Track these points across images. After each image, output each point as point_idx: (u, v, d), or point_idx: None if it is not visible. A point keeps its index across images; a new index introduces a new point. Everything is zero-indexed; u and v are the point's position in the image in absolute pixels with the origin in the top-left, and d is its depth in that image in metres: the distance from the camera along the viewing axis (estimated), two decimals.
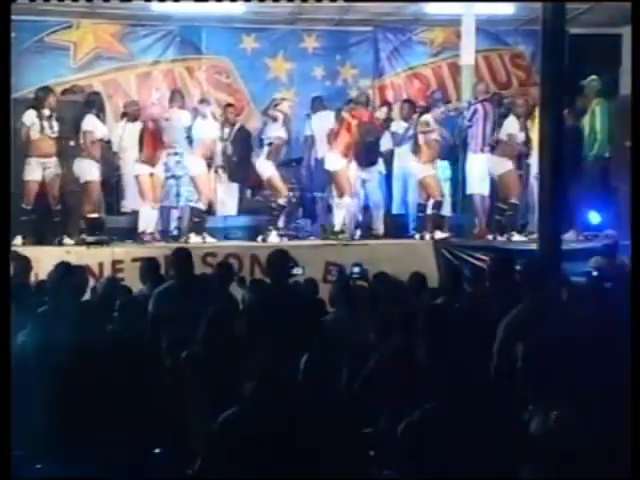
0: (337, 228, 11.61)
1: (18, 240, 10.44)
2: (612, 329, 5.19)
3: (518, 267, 6.83)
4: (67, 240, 10.88)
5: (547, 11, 8.45)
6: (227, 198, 12.28)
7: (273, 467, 3.99)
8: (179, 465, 5.11)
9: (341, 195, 11.63)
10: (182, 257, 7.13)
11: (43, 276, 8.17)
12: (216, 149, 11.79)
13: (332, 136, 11.75)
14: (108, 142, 11.32)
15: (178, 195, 11.51)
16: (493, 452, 3.76)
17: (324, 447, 4.05)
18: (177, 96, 12.05)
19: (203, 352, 5.40)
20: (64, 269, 6.41)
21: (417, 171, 11.94)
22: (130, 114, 11.78)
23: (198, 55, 13.53)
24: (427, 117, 11.87)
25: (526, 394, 4.45)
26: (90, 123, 10.98)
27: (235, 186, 12.46)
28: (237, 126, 12.33)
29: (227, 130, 12.10)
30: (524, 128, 11.66)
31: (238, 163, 12.26)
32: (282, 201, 11.75)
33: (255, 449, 4.03)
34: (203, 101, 12.04)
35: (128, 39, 13.22)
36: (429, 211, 11.92)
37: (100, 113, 11.25)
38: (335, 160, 11.63)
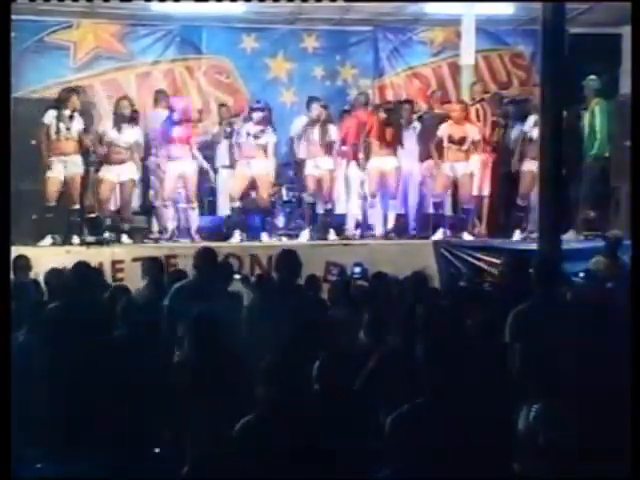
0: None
1: (47, 240, 10.56)
2: (608, 329, 5.20)
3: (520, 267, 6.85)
4: (89, 237, 10.93)
5: (547, 11, 8.47)
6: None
7: (271, 465, 4.00)
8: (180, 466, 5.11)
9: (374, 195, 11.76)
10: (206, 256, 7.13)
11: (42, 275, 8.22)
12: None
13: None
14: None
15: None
16: (496, 449, 3.76)
17: (326, 446, 4.05)
18: (161, 96, 12.04)
19: (207, 353, 5.39)
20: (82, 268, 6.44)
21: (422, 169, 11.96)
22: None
23: (198, 55, 13.52)
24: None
25: (527, 391, 4.46)
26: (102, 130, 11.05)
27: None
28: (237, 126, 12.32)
29: (228, 129, 12.03)
30: None
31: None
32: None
33: (255, 447, 4.04)
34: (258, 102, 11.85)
35: (128, 39, 13.21)
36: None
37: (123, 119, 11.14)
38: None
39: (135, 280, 8.79)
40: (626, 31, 12.00)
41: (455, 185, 11.77)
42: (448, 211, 12.03)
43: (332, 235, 11.61)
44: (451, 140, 11.55)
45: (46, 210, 10.75)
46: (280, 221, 12.11)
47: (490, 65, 14.07)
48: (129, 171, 11.10)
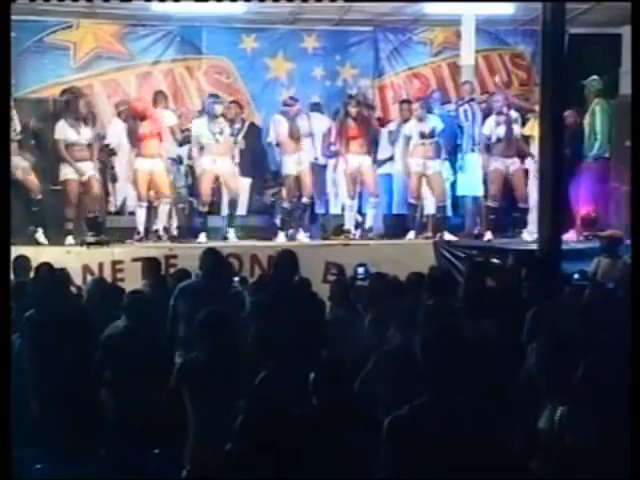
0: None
1: None
2: (609, 329, 5.20)
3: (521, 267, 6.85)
4: (41, 239, 10.81)
5: (547, 11, 8.47)
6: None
7: (274, 463, 4.00)
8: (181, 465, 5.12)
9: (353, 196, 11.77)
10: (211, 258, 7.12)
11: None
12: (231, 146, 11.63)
13: (345, 134, 11.76)
14: (90, 145, 11.17)
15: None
16: (498, 448, 3.75)
17: (326, 447, 4.05)
18: (160, 97, 12.02)
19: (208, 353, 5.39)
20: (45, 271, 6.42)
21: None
22: (123, 113, 11.81)
23: (198, 55, 13.51)
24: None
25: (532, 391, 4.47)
26: (61, 131, 10.90)
27: (247, 184, 12.41)
28: (247, 122, 12.29)
29: (237, 126, 11.98)
30: None
31: (251, 160, 12.20)
32: (306, 200, 11.86)
33: (257, 448, 4.04)
34: (212, 96, 11.92)
35: (128, 39, 13.20)
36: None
37: (76, 115, 11.06)
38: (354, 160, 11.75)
39: (135, 280, 8.80)
40: (626, 31, 12.00)
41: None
42: (430, 210, 12.05)
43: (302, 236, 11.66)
44: (422, 135, 11.64)
45: None
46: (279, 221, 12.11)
47: (490, 65, 14.06)
48: (91, 169, 11.06)
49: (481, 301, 6.33)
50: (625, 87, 11.98)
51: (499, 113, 11.64)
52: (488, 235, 11.64)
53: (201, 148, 11.43)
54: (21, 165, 10.74)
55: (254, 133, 12.45)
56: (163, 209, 11.41)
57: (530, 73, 13.79)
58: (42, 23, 12.76)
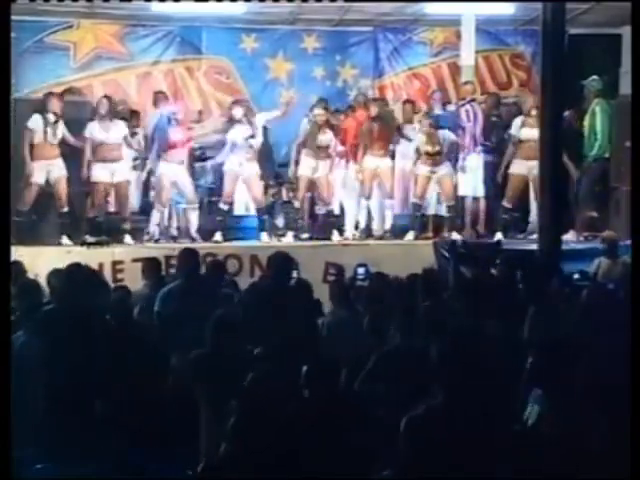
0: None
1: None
2: (610, 329, 5.21)
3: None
4: (67, 241, 10.86)
5: (547, 11, 8.48)
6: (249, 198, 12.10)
7: (272, 467, 4.00)
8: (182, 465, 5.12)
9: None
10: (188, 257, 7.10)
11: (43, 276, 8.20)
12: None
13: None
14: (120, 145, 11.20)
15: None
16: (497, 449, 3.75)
17: (325, 447, 4.05)
18: (161, 98, 12.01)
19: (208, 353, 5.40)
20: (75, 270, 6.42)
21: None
22: (120, 113, 11.82)
23: (198, 55, 13.51)
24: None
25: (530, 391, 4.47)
26: (88, 132, 10.95)
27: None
28: (261, 125, 12.28)
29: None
30: None
31: (265, 162, 12.20)
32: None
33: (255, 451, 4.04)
34: (237, 102, 11.90)
35: (128, 39, 13.20)
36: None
37: (106, 117, 11.13)
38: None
39: (135, 281, 8.79)
40: (626, 31, 11.99)
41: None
42: (432, 211, 12.12)
43: (336, 236, 11.65)
44: (429, 154, 11.68)
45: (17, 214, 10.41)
46: (280, 221, 12.10)
47: (490, 65, 14.07)
48: (123, 170, 11.12)
49: (481, 301, 6.34)
50: (625, 87, 11.98)
51: (527, 115, 11.58)
52: (499, 235, 11.63)
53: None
54: (59, 170, 10.81)
55: (265, 135, 12.43)
56: (192, 213, 11.44)
57: (530, 73, 13.79)
58: (42, 23, 12.76)
